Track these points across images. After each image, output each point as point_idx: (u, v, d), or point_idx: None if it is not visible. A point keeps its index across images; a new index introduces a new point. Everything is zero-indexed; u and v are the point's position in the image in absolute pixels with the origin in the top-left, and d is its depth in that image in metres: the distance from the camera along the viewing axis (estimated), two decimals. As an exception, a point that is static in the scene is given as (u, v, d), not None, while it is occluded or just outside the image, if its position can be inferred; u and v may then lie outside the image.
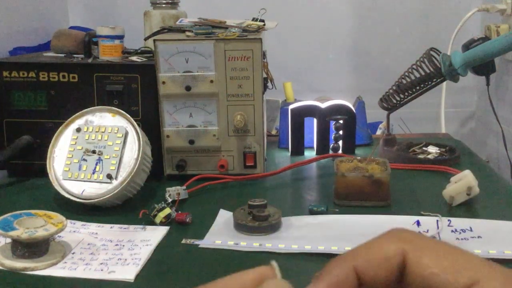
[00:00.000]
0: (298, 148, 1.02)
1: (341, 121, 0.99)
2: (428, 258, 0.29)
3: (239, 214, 0.69)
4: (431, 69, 0.91)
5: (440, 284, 0.28)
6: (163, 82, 0.83)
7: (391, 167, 0.79)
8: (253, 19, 0.93)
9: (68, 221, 0.64)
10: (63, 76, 0.87)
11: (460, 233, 0.65)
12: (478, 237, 0.64)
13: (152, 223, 0.70)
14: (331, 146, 1.01)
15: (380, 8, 1.53)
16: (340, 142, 1.00)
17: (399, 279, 0.30)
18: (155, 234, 0.68)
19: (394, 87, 0.96)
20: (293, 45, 1.52)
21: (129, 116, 0.79)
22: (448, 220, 0.68)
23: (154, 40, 0.83)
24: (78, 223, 0.71)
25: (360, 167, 0.79)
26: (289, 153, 1.03)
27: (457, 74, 0.90)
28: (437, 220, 0.68)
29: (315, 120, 1.01)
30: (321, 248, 0.62)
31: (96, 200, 0.74)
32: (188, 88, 0.83)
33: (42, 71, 0.87)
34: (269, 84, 0.92)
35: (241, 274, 0.31)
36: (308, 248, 0.62)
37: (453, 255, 0.30)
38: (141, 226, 0.70)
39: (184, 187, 0.79)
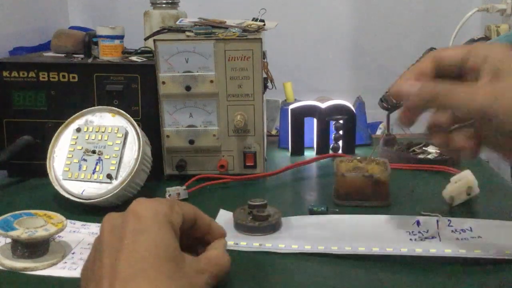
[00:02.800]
0: (298, 148, 1.02)
1: (341, 121, 0.99)
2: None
3: (239, 214, 0.69)
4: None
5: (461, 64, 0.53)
6: (163, 82, 0.83)
7: (391, 167, 0.79)
8: (253, 19, 0.93)
9: (68, 221, 0.64)
10: (63, 76, 0.87)
11: (460, 233, 0.65)
12: (478, 237, 0.64)
13: (152, 223, 0.70)
14: (331, 146, 1.01)
15: (380, 8, 1.54)
16: (340, 142, 1.00)
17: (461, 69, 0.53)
18: (155, 234, 0.67)
19: (394, 87, 0.96)
20: (293, 45, 1.52)
21: (129, 116, 0.79)
22: (448, 220, 0.68)
23: (154, 40, 0.83)
24: (78, 223, 0.71)
25: (360, 167, 0.79)
26: (289, 153, 1.03)
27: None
28: (437, 220, 0.68)
29: (315, 120, 1.01)
30: (321, 248, 0.62)
31: (96, 200, 0.74)
32: (188, 88, 0.83)
33: (42, 71, 0.87)
34: (269, 84, 0.92)
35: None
36: (308, 248, 0.62)
37: (471, 46, 0.54)
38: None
39: (184, 187, 0.79)
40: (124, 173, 0.75)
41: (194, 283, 0.47)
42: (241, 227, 0.67)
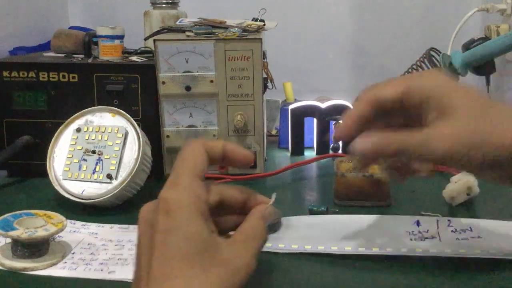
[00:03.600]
0: (298, 148, 1.02)
1: (341, 121, 0.99)
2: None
3: (239, 214, 0.69)
4: (431, 69, 0.91)
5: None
6: (163, 82, 0.83)
7: (391, 167, 0.79)
8: (253, 19, 0.93)
9: (68, 221, 0.64)
10: (63, 76, 0.87)
11: (460, 233, 0.65)
12: (478, 237, 0.64)
13: (152, 223, 0.70)
14: (331, 146, 1.01)
15: (380, 8, 1.53)
16: (340, 142, 1.00)
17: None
18: (155, 234, 0.67)
19: (394, 87, 0.96)
20: (293, 45, 1.52)
21: (129, 116, 0.79)
22: (448, 220, 0.68)
23: (154, 40, 0.83)
24: (78, 223, 0.71)
25: (360, 167, 0.79)
26: (289, 153, 1.03)
27: (457, 74, 0.90)
28: (437, 220, 0.68)
29: (315, 120, 1.01)
30: (321, 248, 0.62)
31: (96, 200, 0.74)
32: (188, 88, 0.83)
33: (42, 71, 0.87)
34: (269, 84, 0.92)
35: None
36: (308, 248, 0.62)
37: (407, 81, 0.52)
38: (141, 226, 0.70)
39: (184, 187, 0.79)
40: (124, 173, 0.75)
41: (234, 267, 0.44)
42: (241, 227, 0.67)
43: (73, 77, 0.87)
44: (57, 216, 0.63)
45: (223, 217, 0.50)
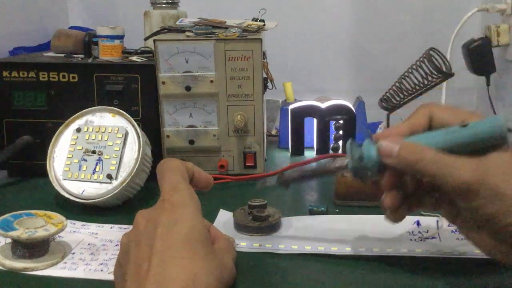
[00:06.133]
0: (298, 148, 1.02)
1: (341, 121, 0.99)
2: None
3: (239, 214, 0.69)
4: (431, 69, 0.91)
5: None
6: (163, 82, 0.83)
7: (391, 167, 0.78)
8: (253, 19, 0.93)
9: (68, 221, 0.64)
10: (63, 76, 0.87)
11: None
12: (478, 237, 0.64)
13: (152, 223, 0.70)
14: (331, 146, 1.01)
15: (380, 8, 1.53)
16: (340, 142, 1.00)
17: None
18: (155, 234, 0.67)
19: (394, 87, 0.96)
20: (293, 45, 1.52)
21: (129, 116, 0.79)
22: (448, 220, 0.68)
23: (154, 40, 0.83)
24: (78, 223, 0.71)
25: (360, 167, 0.78)
26: (289, 153, 1.03)
27: (367, 173, 0.58)
28: (437, 220, 0.68)
29: (315, 120, 1.01)
30: (321, 249, 0.62)
31: (96, 200, 0.74)
32: (188, 88, 0.83)
33: (42, 71, 0.87)
34: (269, 84, 0.92)
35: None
36: (308, 248, 0.62)
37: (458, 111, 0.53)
38: (141, 226, 0.70)
39: (184, 187, 0.79)
40: (124, 173, 0.75)
41: (224, 262, 0.51)
42: (241, 228, 0.67)
43: (73, 77, 0.87)
44: (57, 216, 0.63)
45: None
